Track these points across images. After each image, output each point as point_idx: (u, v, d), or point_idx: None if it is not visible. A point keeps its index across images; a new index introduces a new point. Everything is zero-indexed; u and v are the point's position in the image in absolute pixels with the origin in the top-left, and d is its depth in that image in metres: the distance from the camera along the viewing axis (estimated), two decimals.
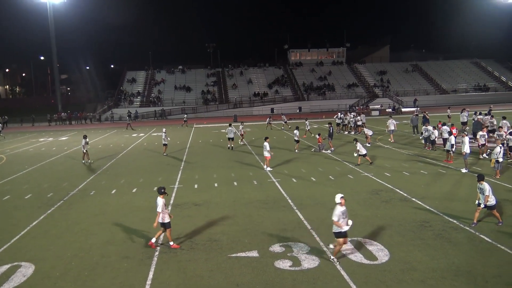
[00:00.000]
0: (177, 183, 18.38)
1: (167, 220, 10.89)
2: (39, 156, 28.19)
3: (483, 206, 11.42)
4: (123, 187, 17.95)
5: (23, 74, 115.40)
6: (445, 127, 23.97)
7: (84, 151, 24.29)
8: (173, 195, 16.29)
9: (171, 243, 10.94)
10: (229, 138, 27.84)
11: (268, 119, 42.65)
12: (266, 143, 20.55)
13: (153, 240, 11.04)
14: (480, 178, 11.58)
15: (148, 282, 9.04)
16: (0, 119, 60.03)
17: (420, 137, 28.20)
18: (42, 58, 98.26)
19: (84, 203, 15.71)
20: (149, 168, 22.26)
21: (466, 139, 18.81)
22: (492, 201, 11.38)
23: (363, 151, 20.66)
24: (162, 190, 11.01)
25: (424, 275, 8.84)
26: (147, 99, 69.46)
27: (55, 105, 71.04)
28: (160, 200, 10.84)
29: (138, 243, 11.35)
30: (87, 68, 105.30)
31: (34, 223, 13.35)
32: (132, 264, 10.00)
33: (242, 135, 31.52)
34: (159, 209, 10.76)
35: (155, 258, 10.27)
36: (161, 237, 11.43)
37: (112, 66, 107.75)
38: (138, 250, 10.82)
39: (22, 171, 22.68)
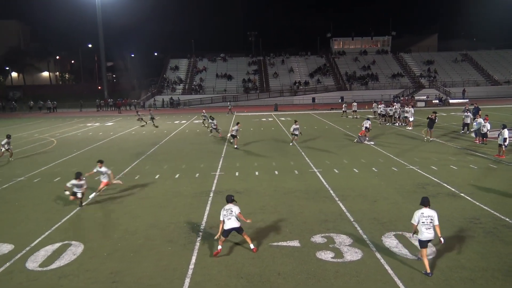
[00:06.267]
0: (218, 170, 18.56)
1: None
2: (86, 140, 29.30)
3: None
4: (166, 173, 18.33)
5: (72, 61, 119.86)
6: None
7: (3, 150, 22.15)
8: (215, 182, 16.46)
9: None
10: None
11: (344, 106, 43.67)
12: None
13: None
14: None
15: (191, 266, 9.19)
16: (50, 104, 62.90)
17: (464, 132, 27.08)
18: (90, 46, 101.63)
19: (129, 186, 16.17)
20: (191, 155, 22.60)
21: None
22: None
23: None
24: (232, 198, 10.04)
25: (474, 274, 8.47)
26: (189, 87, 70.47)
27: (102, 92, 73.47)
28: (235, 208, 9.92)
29: (181, 227, 11.56)
30: (132, 55, 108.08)
31: (83, 204, 13.88)
32: (176, 248, 10.20)
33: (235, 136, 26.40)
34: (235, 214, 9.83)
35: (197, 244, 10.42)
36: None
37: (155, 54, 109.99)
38: (181, 235, 11.03)
39: (71, 154, 23.65)
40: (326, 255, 9.48)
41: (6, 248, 10.41)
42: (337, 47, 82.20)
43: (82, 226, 11.92)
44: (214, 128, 29.30)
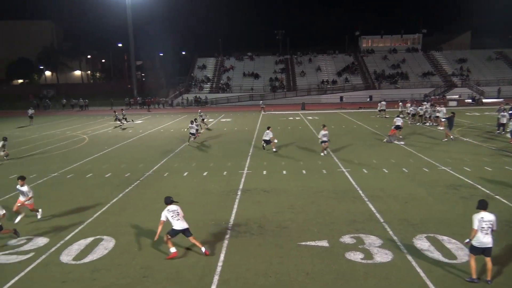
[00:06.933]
0: (246, 168, 18.61)
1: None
2: (117, 138, 29.93)
3: None
4: (194, 170, 18.51)
5: (103, 61, 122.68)
6: None
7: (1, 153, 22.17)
8: (242, 180, 16.51)
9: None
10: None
11: (380, 104, 40.62)
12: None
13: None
14: None
15: (220, 264, 9.24)
16: (82, 102, 64.55)
17: (500, 132, 26.23)
18: (120, 45, 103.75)
19: (159, 183, 16.43)
20: (218, 153, 22.75)
21: None
22: None
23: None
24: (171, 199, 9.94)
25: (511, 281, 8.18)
26: (216, 86, 70.95)
27: (131, 90, 74.88)
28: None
29: (209, 225, 11.64)
30: (161, 54, 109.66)
31: (113, 201, 14.20)
32: (204, 246, 10.27)
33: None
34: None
35: (226, 241, 10.48)
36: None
37: (183, 53, 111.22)
38: (209, 232, 11.11)
39: (102, 151, 24.21)
40: (356, 256, 9.35)
41: (42, 241, 10.75)
42: (366, 45, 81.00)
43: (113, 222, 12.17)
44: (191, 134, 25.90)
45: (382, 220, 11.56)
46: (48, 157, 22.73)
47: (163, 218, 9.63)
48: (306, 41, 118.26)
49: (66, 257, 9.77)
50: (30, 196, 12.22)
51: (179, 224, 9.63)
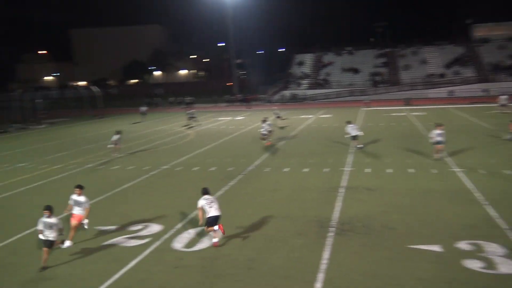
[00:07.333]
0: (347, 165, 18.13)
1: None
2: (219, 134, 31.24)
3: None
4: (295, 166, 18.52)
5: (205, 60, 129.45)
6: None
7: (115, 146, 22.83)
8: (345, 177, 16.11)
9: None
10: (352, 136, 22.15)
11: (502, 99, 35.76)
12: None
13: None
14: None
15: (324, 261, 9.10)
16: (188, 99, 68.64)
17: None
18: (221, 45, 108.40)
19: (261, 178, 16.76)
20: (319, 149, 22.51)
21: None
22: None
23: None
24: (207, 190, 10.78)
25: None
26: (314, 82, 70.42)
27: (232, 88, 77.69)
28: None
29: (311, 221, 11.53)
30: (259, 52, 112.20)
31: (218, 193, 14.76)
32: (307, 242, 10.22)
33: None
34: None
35: (329, 239, 10.28)
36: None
37: (281, 49, 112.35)
38: (311, 229, 11.01)
39: (207, 146, 25.43)
40: (474, 264, 8.53)
41: (156, 228, 11.61)
42: (479, 34, 73.87)
43: None
44: (263, 134, 24.20)
45: (505, 227, 10.40)
46: (159, 151, 24.52)
47: (199, 205, 10.35)
48: (408, 33, 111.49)
49: (178, 244, 10.42)
50: (87, 207, 10.70)
51: (213, 211, 10.17)
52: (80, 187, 10.82)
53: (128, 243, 10.69)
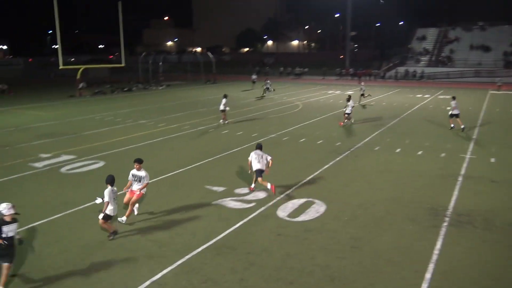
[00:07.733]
0: (469, 153, 16.49)
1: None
2: (328, 107, 30.60)
3: None
4: (408, 148, 17.39)
5: (319, 31, 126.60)
6: None
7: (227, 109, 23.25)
8: (464, 165, 14.69)
9: None
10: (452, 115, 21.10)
11: None
12: None
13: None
14: None
15: (436, 252, 8.45)
16: (298, 70, 68.32)
17: None
18: (336, 15, 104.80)
19: (369, 156, 16.07)
20: (434, 132, 20.82)
21: None
22: None
23: None
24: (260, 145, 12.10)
25: None
26: (436, 59, 64.92)
27: (344, 61, 75.25)
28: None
29: (424, 208, 10.76)
30: (377, 25, 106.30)
31: (325, 167, 14.56)
32: (418, 229, 9.59)
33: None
34: None
35: (443, 229, 9.52)
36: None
37: (401, 23, 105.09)
38: (424, 216, 10.28)
39: (314, 119, 25.12)
40: None
41: (261, 195, 11.83)
42: None
43: (325, 187, 12.49)
44: (347, 113, 22.63)
45: None
46: (267, 120, 24.88)
47: (250, 158, 11.79)
48: None
49: (282, 212, 10.52)
50: (146, 182, 9.88)
51: (256, 165, 11.58)
52: (139, 161, 9.92)
53: (235, 205, 11.08)
